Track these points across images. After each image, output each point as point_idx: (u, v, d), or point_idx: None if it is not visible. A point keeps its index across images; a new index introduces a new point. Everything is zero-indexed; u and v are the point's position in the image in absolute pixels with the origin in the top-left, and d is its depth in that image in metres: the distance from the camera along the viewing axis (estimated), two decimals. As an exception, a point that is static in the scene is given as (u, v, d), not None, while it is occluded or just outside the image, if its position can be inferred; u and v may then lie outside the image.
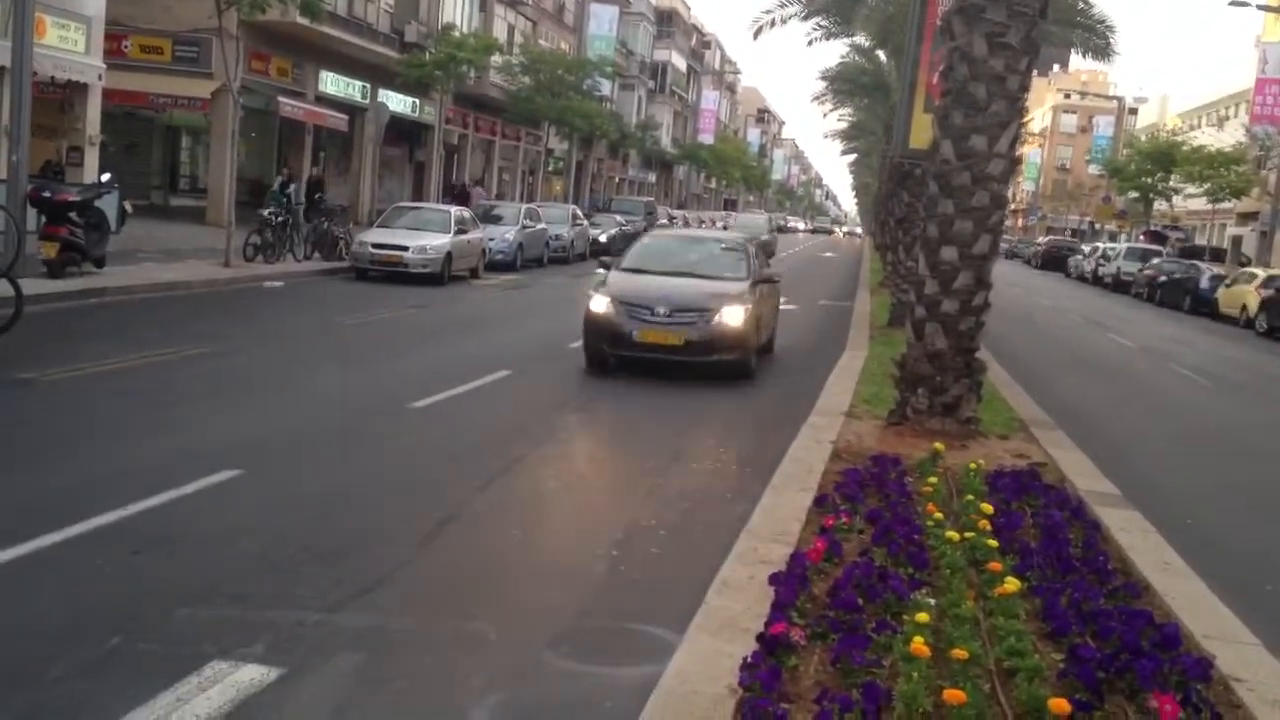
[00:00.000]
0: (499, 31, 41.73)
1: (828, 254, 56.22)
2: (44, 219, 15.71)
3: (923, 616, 4.42)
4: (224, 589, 5.34)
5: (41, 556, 5.53)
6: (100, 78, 21.74)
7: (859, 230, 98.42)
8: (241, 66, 23.24)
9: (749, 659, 4.07)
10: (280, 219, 21.91)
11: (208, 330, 13.50)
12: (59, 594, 5.17)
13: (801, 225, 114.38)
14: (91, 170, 21.48)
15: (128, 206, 22.35)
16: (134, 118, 28.54)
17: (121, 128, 26.80)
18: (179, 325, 13.83)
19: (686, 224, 52.28)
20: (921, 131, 13.39)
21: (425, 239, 21.61)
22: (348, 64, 32.23)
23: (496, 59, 37.62)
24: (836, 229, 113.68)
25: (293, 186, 24.23)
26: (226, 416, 9.02)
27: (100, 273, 16.25)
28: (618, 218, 38.85)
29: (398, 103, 34.24)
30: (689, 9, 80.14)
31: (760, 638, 4.26)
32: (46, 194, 15.71)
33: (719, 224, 49.63)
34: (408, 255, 21.11)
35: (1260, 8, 44.52)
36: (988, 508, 6.24)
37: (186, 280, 17.36)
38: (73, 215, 15.73)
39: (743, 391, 12.43)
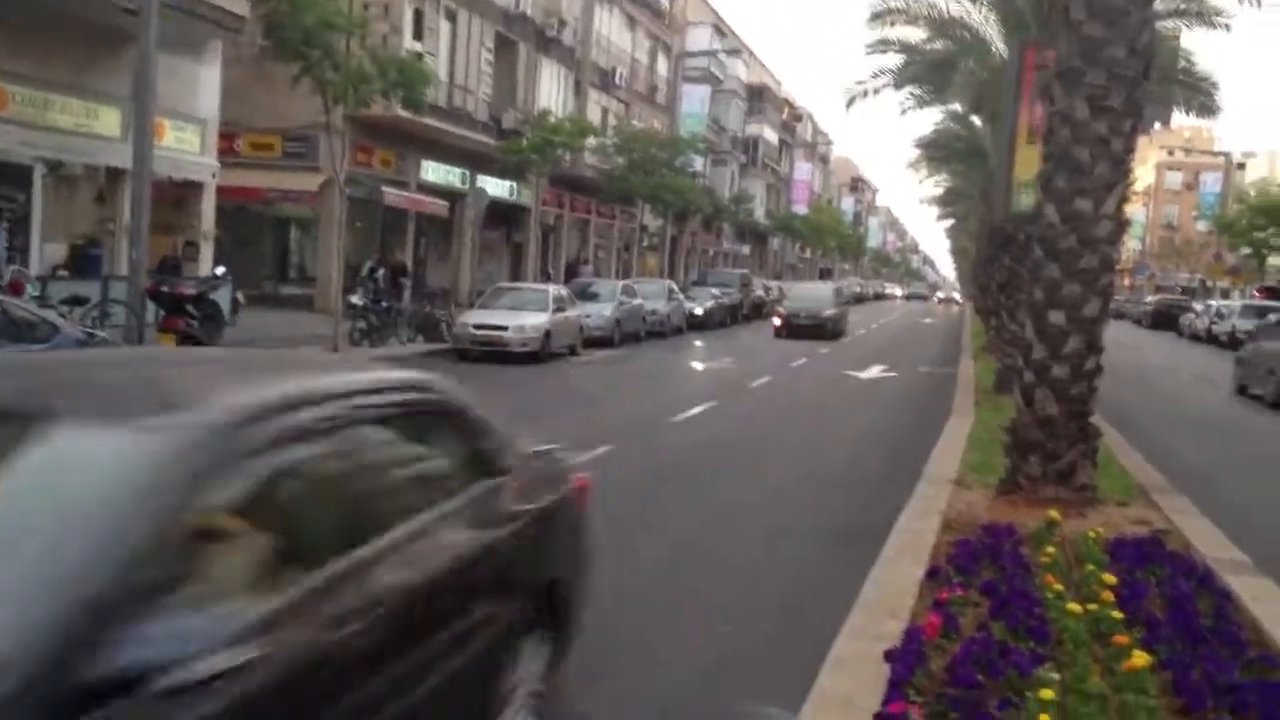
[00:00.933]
0: (593, 114, 42.62)
1: (927, 320, 55.54)
2: (162, 312, 16.38)
3: (1047, 693, 4.26)
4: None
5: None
6: (214, 175, 22.73)
7: (957, 295, 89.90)
8: (347, 159, 24.09)
9: (867, 739, 3.96)
10: (373, 305, 22.63)
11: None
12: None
13: (899, 291, 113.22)
14: (206, 263, 22.35)
15: (240, 297, 23.23)
16: (246, 212, 29.71)
17: (234, 221, 27.89)
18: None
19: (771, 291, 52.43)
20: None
21: (524, 318, 21.96)
22: (448, 152, 33.20)
23: (591, 140, 38.40)
24: (934, 294, 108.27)
25: (381, 272, 24.91)
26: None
27: (216, 361, 16.80)
28: (713, 290, 39.05)
29: (495, 187, 35.10)
30: (779, 84, 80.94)
31: (878, 717, 4.15)
32: (164, 288, 16.41)
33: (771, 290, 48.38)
34: (507, 334, 21.46)
35: (1370, 55, 43.29)
36: (1110, 578, 6.01)
37: (297, 366, 17.83)
38: (189, 308, 16.37)
39: (849, 460, 12.27)
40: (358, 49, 20.45)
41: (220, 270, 21.34)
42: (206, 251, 22.81)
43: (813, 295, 38.56)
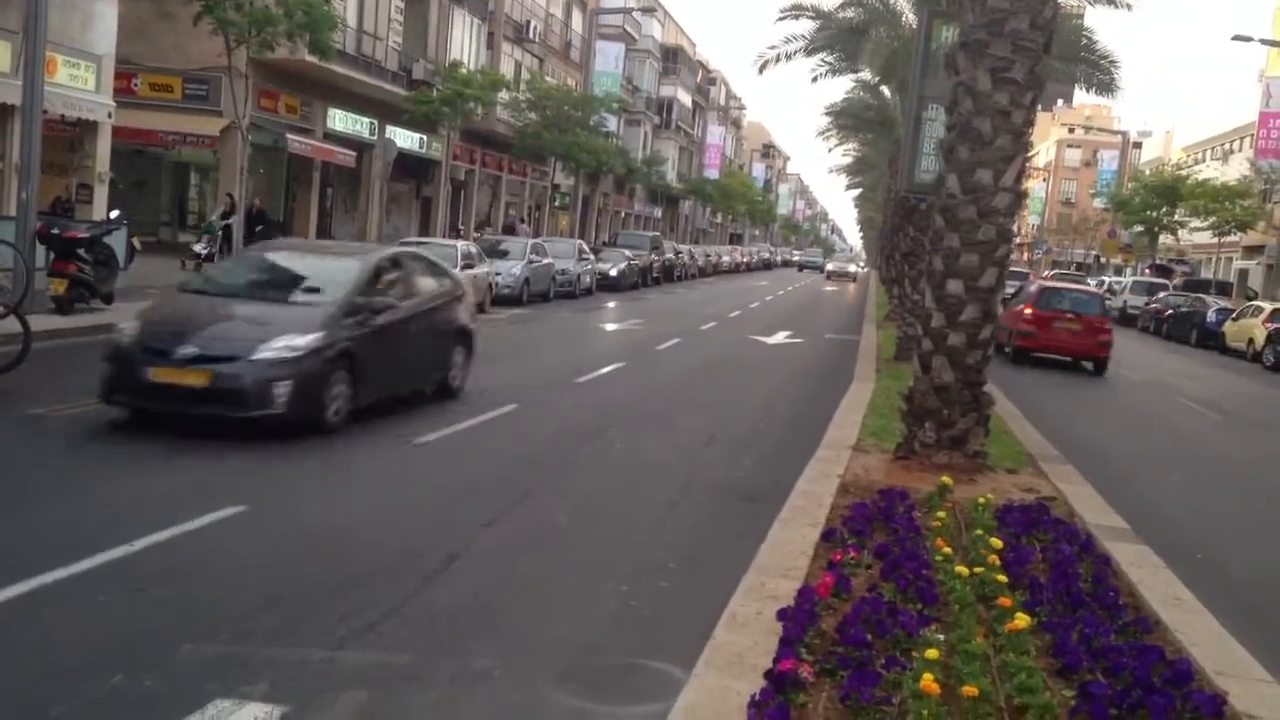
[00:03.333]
0: (506, 68, 42.04)
1: (831, 288, 56.28)
2: (53, 255, 15.78)
3: (932, 653, 4.38)
4: (228, 626, 5.31)
5: (46, 593, 5.51)
6: (110, 115, 21.91)
7: (853, 266, 74.58)
8: (250, 104, 23.45)
9: (757, 696, 4.03)
10: (208, 252, 22.88)
11: (215, 365, 13.49)
12: (62, 631, 5.14)
13: (797, 256, 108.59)
14: (101, 207, 21.60)
15: (136, 243, 22.46)
16: (143, 155, 28.74)
17: (131, 165, 26.97)
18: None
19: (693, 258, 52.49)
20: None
21: (432, 274, 21.63)
22: (356, 101, 32.47)
23: (503, 95, 37.89)
24: (831, 264, 78.32)
25: (233, 218, 24.56)
26: (231, 452, 9.01)
27: (109, 309, 16.28)
28: (625, 252, 38.99)
29: (405, 139, 34.47)
30: (694, 46, 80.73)
31: (769, 674, 4.22)
32: (55, 231, 15.78)
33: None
34: (414, 290, 21.13)
35: (1264, 42, 44.80)
36: (997, 542, 6.20)
37: (194, 316, 17.38)
38: (81, 252, 15.80)
39: (753, 423, 12.41)
40: (262, -11, 19.84)
41: (115, 214, 20.60)
42: (101, 195, 22.03)
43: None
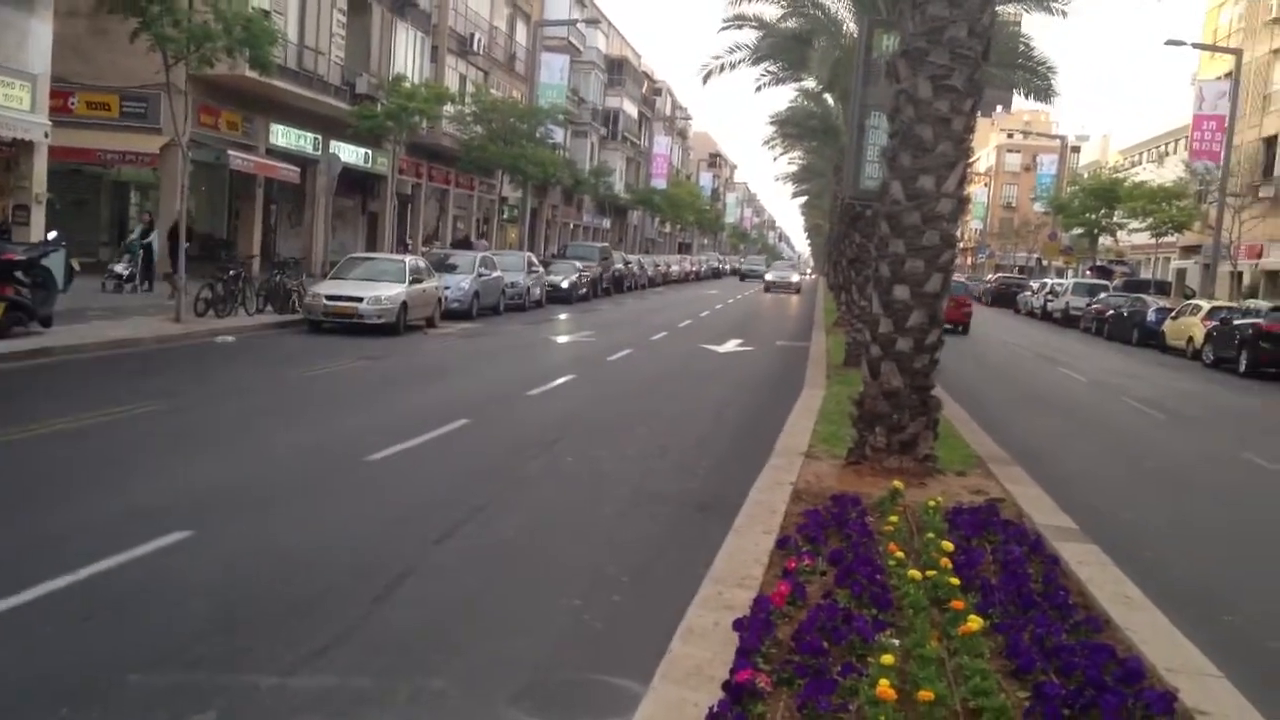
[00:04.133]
0: (450, 81, 41.89)
1: (782, 295, 56.61)
2: (-11, 278, 15.47)
3: (888, 659, 4.40)
4: (176, 654, 5.21)
5: (-14, 625, 5.38)
6: (46, 135, 21.54)
7: (795, 277, 61.92)
8: (190, 121, 23.07)
9: (715, 708, 4.02)
10: (129, 272, 22.89)
11: (159, 387, 13.30)
12: (6, 663, 5.02)
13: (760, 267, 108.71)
14: (38, 228, 21.22)
15: (75, 264, 22.06)
16: (81, 174, 28.28)
17: (69, 185, 26.52)
18: (129, 383, 13.61)
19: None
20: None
21: (379, 289, 21.52)
22: (299, 116, 32.18)
23: (449, 108, 37.75)
24: (770, 273, 65.70)
25: (153, 235, 24.61)
26: (178, 475, 8.87)
27: (47, 332, 15.99)
28: (576, 264, 38.95)
29: (350, 154, 34.22)
30: (639, 57, 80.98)
31: (726, 685, 4.22)
32: (-9, 253, 15.49)
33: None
34: (362, 306, 21.00)
35: (1195, 46, 45.84)
36: (948, 545, 6.25)
37: (136, 337, 17.12)
38: (18, 274, 15.50)
39: (704, 432, 12.43)
40: (200, 4, 19.56)
41: (53, 235, 20.23)
42: (38, 216, 21.65)
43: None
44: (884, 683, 4.08)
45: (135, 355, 16.12)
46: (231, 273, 21.73)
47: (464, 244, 38.49)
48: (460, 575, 6.79)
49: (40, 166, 21.64)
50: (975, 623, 4.89)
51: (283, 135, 31.98)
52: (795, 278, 62.18)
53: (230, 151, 28.19)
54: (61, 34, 22.61)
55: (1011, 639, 4.89)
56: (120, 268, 24.02)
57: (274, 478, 9.12)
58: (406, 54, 38.36)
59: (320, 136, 33.49)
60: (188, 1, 19.51)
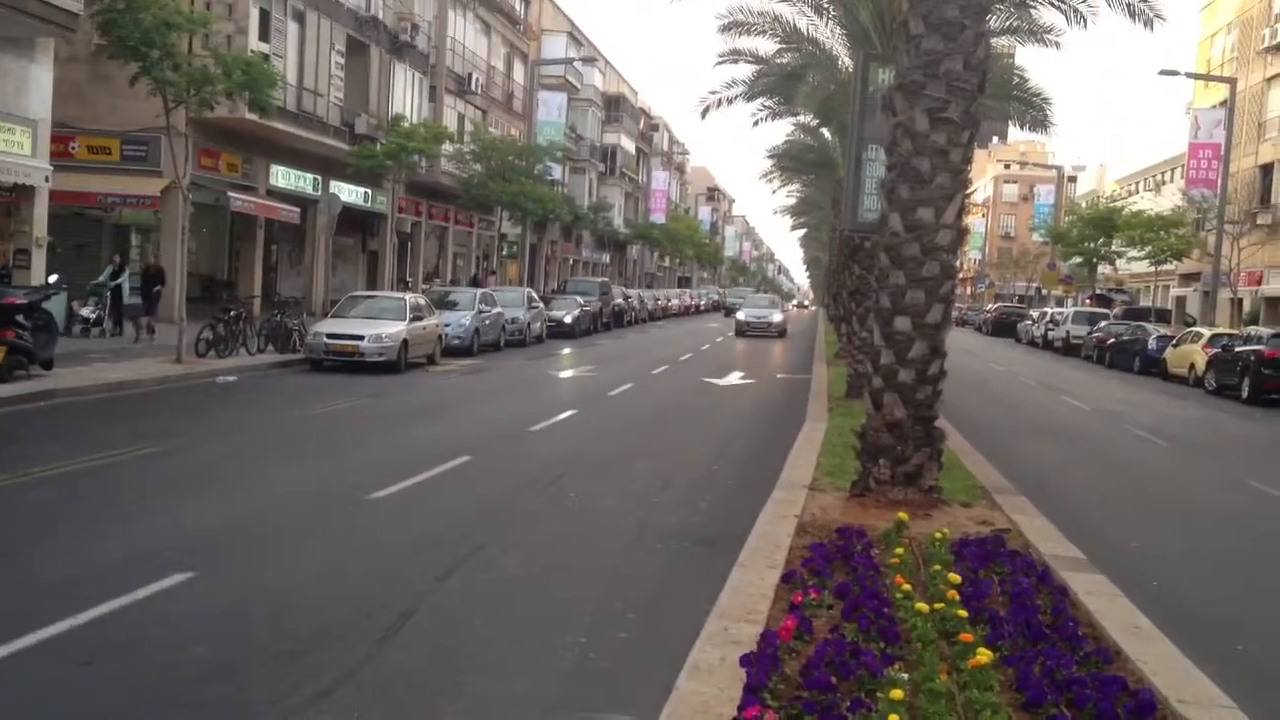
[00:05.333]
0: (449, 120, 42.14)
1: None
2: (-10, 322, 15.49)
3: (897, 693, 4.35)
4: (179, 698, 5.16)
5: (-13, 671, 5.33)
6: (47, 179, 21.62)
7: (777, 315, 45.73)
8: (191, 163, 23.23)
9: (723, 746, 3.97)
10: (97, 315, 22.37)
11: (160, 429, 13.28)
12: (6, 708, 4.97)
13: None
14: (39, 272, 21.26)
15: (76, 307, 22.11)
16: (82, 218, 28.32)
17: (70, 228, 26.55)
18: (130, 425, 13.59)
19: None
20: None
21: (380, 327, 21.54)
22: (298, 157, 32.35)
23: (447, 147, 37.94)
24: (742, 311, 48.03)
25: (125, 276, 23.93)
26: (179, 517, 8.83)
27: (49, 375, 15.99)
28: (578, 299, 39.04)
29: (349, 193, 34.35)
30: (636, 94, 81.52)
31: (733, 723, 4.17)
32: (-8, 297, 15.52)
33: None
34: (363, 344, 21.01)
35: (1190, 76, 46.13)
36: (955, 577, 6.20)
37: (137, 379, 17.12)
38: (19, 318, 15.52)
39: (707, 466, 12.39)
40: (200, 49, 19.71)
41: (54, 279, 20.30)
42: (39, 260, 21.67)
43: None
44: (894, 718, 4.04)
45: (136, 397, 16.11)
46: (233, 313, 21.76)
47: (475, 283, 38.92)
48: (464, 614, 6.74)
49: (41, 210, 21.71)
50: (985, 655, 4.85)
51: (282, 176, 32.12)
52: (777, 316, 45.24)
53: (230, 193, 28.30)
54: (62, 79, 22.75)
55: (1022, 672, 4.84)
56: (87, 311, 23.14)
57: (276, 517, 9.08)
58: (405, 94, 38.61)
59: (320, 177, 33.64)
60: (187, 46, 19.69)
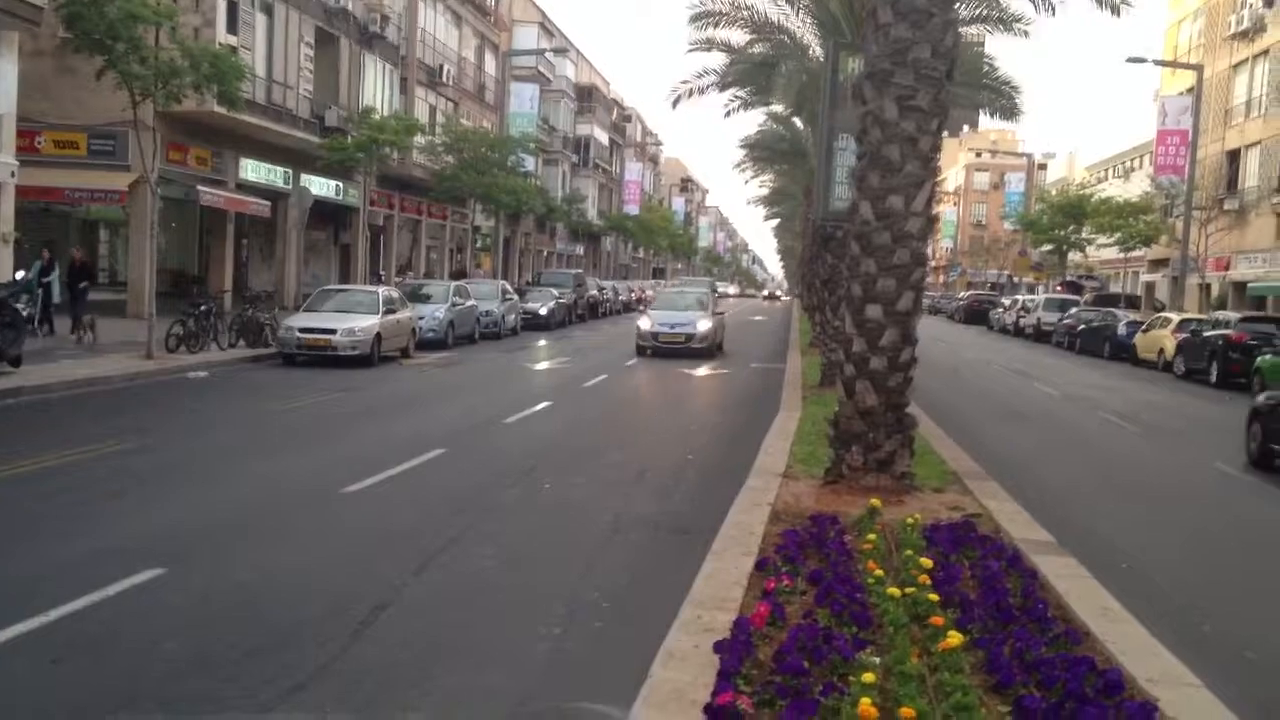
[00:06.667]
0: (420, 112, 41.95)
1: (758, 318, 56.81)
2: (-44, 319, 15.31)
3: (869, 677, 4.39)
4: (150, 694, 5.14)
5: (-45, 671, 5.29)
6: (13, 175, 21.39)
7: (702, 324, 26.97)
8: (159, 157, 23.00)
9: (696, 732, 3.99)
10: (28, 313, 18.96)
11: (129, 425, 13.18)
12: (-26, 709, 4.93)
13: (732, 290, 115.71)
14: (5, 268, 21.03)
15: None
16: (50, 213, 28.07)
17: (37, 224, 26.31)
18: (99, 421, 13.48)
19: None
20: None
21: (353, 321, 21.45)
22: (268, 150, 32.12)
23: (419, 139, 37.78)
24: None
25: (54, 274, 22.02)
26: (149, 513, 8.77)
27: (16, 371, 15.84)
28: (553, 291, 39.00)
29: (321, 186, 34.15)
30: (609, 85, 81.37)
31: (708, 709, 4.19)
32: (-42, 294, 15.34)
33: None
34: (335, 338, 20.92)
35: (1157, 63, 46.49)
36: (927, 562, 6.25)
37: (107, 375, 16.97)
38: (-14, 314, 15.34)
39: (681, 456, 12.41)
40: (167, 41, 19.51)
41: (20, 275, 20.09)
42: (5, 256, 21.43)
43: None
44: (865, 701, 4.07)
45: (106, 393, 15.98)
46: (203, 308, 21.59)
47: (460, 274, 38.92)
48: (438, 606, 6.73)
49: (7, 206, 21.49)
50: (955, 638, 4.89)
51: (253, 169, 31.89)
52: (702, 324, 27.34)
53: (200, 187, 28.07)
54: (27, 73, 22.49)
55: (992, 654, 4.89)
56: (20, 307, 19.49)
57: (248, 512, 9.03)
58: (375, 86, 38.39)
59: (291, 170, 33.42)
60: (154, 38, 19.49)
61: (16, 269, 20.94)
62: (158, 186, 20.74)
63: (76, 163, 26.43)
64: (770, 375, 22.08)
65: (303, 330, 21.17)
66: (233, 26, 28.61)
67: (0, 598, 6.41)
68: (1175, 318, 30.82)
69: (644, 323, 27.71)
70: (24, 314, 19.64)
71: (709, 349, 26.81)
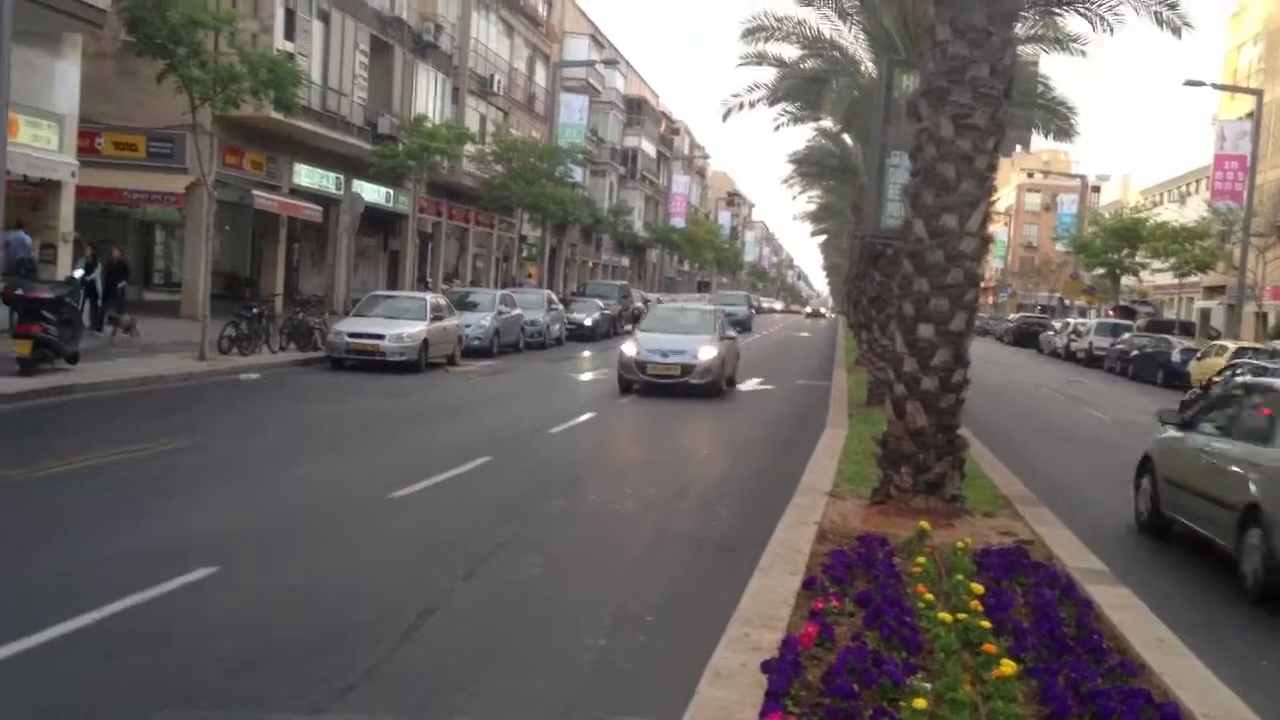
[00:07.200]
0: (471, 122, 42.26)
1: (802, 334, 56.58)
2: (16, 317, 15.61)
3: (920, 703, 4.34)
4: (203, 691, 5.19)
5: (14, 662, 5.37)
6: (74, 175, 21.79)
7: (705, 353, 19.40)
8: (215, 161, 23.35)
9: (746, 751, 3.96)
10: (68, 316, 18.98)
11: (183, 424, 13.35)
12: (31, 702, 5.00)
13: (778, 306, 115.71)
14: (65, 267, 21.41)
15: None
16: (108, 214, 28.56)
17: (96, 224, 26.78)
18: (154, 420, 13.67)
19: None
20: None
21: (401, 327, 21.62)
22: (322, 156, 32.50)
23: (469, 148, 38.05)
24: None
25: (97, 271, 22.22)
26: (202, 512, 8.87)
27: (74, 369, 16.10)
28: (598, 302, 39.10)
29: (372, 193, 34.49)
30: (657, 97, 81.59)
31: (756, 728, 4.16)
32: (19, 292, 15.63)
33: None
34: (384, 344, 21.09)
35: (1216, 87, 45.82)
36: (978, 588, 6.17)
37: (160, 375, 17.22)
38: (45, 313, 15.63)
39: (725, 473, 12.37)
40: (226, 47, 19.82)
41: (79, 274, 20.42)
42: (65, 255, 21.83)
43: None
44: (918, 727, 4.02)
45: (160, 392, 16.21)
46: (255, 311, 21.86)
47: (510, 283, 39.43)
48: (485, 613, 6.75)
49: (67, 206, 21.88)
50: (1009, 667, 4.81)
51: (306, 175, 32.28)
52: (704, 351, 20.29)
53: (254, 191, 28.46)
54: (89, 75, 22.91)
55: (1046, 684, 4.82)
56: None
57: (297, 514, 9.12)
58: (428, 95, 38.75)
59: (343, 176, 33.79)
60: (214, 44, 19.80)
61: (75, 268, 21.30)
62: (214, 189, 21.03)
63: (135, 164, 26.88)
64: (815, 392, 21.96)
65: (352, 335, 21.38)
66: (290, 33, 29.00)
67: (55, 592, 6.50)
68: (1231, 346, 30.29)
69: (628, 348, 20.60)
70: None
71: (713, 385, 20.14)
